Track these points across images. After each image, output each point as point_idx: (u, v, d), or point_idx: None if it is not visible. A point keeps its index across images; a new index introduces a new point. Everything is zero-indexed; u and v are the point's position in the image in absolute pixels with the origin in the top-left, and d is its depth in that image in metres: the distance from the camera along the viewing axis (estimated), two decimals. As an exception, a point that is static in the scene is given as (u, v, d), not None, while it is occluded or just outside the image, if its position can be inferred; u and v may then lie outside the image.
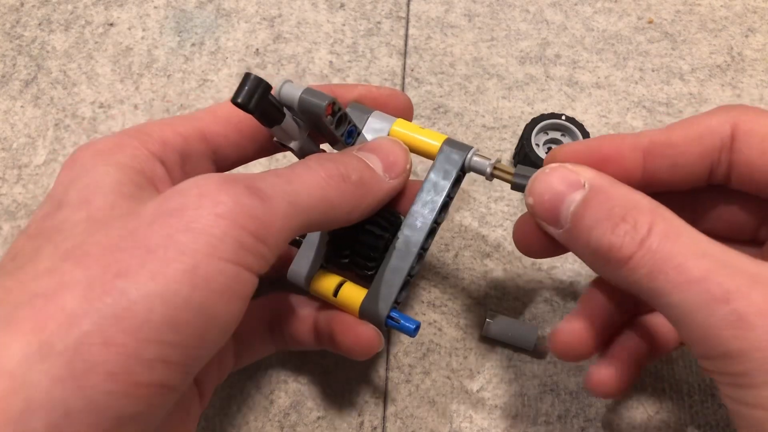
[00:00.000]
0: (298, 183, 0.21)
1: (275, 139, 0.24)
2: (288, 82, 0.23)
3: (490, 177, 0.25)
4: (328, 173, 0.22)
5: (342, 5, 0.42)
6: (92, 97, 0.38)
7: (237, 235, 0.18)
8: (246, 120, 0.24)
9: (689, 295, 0.18)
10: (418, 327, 0.24)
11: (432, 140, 0.25)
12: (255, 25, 0.41)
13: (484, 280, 0.32)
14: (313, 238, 0.26)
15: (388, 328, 0.24)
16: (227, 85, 0.39)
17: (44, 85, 0.39)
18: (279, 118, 0.23)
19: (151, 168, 0.22)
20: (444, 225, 0.34)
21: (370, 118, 0.26)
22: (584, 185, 0.21)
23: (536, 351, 0.31)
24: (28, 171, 0.36)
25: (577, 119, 0.35)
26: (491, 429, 0.29)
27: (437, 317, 0.32)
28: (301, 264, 0.26)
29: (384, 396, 0.30)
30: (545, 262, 0.33)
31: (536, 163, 0.33)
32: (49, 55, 0.40)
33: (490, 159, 0.25)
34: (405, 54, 0.40)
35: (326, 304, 0.26)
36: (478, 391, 0.30)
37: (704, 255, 0.18)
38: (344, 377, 0.30)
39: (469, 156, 0.25)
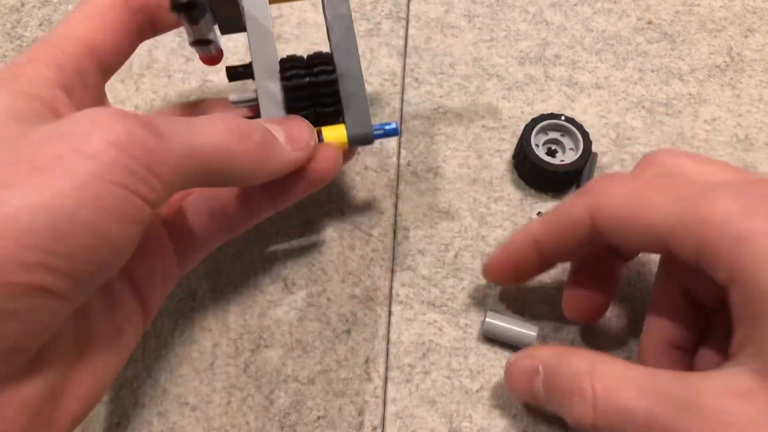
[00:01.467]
0: (197, 129, 0.21)
1: (198, 51, 0.25)
2: None
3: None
4: (229, 127, 0.22)
5: (342, 6, 0.42)
6: (92, 98, 0.38)
7: (127, 162, 0.18)
8: (122, 19, 0.25)
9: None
10: (398, 125, 0.28)
11: None
12: (255, 26, 0.41)
13: (484, 280, 0.32)
14: (271, 91, 0.28)
15: (377, 139, 0.28)
16: (228, 85, 0.39)
17: (44, 85, 0.39)
18: (203, 11, 0.23)
19: (51, 94, 0.22)
20: (444, 225, 0.34)
21: None
22: (539, 370, 0.25)
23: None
24: (28, 171, 0.36)
25: (576, 119, 0.35)
26: (491, 429, 0.29)
27: (437, 317, 0.32)
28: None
29: (384, 396, 0.30)
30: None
31: (536, 164, 0.33)
32: (50, 56, 0.40)
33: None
34: (405, 54, 0.40)
35: None
36: (478, 391, 0.30)
37: (636, 388, 0.22)
38: (344, 377, 0.30)
39: None
